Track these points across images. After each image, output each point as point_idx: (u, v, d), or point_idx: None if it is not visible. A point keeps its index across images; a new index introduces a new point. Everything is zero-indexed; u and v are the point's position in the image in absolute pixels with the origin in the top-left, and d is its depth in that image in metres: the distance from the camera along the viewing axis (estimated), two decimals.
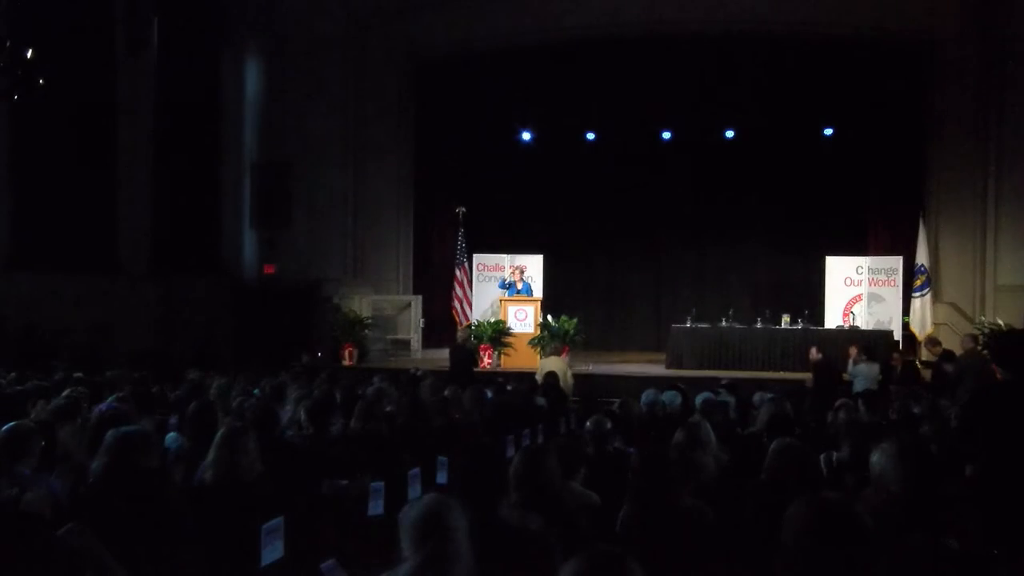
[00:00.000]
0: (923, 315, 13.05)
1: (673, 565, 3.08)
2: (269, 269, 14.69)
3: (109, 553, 2.92)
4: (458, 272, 14.50)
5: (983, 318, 12.60)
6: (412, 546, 2.48)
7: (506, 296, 13.73)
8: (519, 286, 13.86)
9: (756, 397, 7.37)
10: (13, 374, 6.99)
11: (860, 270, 13.69)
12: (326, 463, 4.91)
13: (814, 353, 11.26)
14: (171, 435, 5.73)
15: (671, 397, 7.29)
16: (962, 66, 13.20)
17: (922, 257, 13.14)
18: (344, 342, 13.51)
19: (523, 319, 13.26)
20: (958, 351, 10.38)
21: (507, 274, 14.25)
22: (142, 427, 4.15)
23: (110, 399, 5.76)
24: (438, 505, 2.56)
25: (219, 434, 4.11)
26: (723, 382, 8.74)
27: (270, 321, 11.59)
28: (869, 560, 2.06)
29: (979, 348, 9.96)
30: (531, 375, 9.59)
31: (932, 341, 10.71)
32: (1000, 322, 11.92)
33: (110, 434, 3.70)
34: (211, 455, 4.05)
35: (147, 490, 3.56)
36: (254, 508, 3.76)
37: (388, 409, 6.35)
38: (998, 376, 3.70)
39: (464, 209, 14.70)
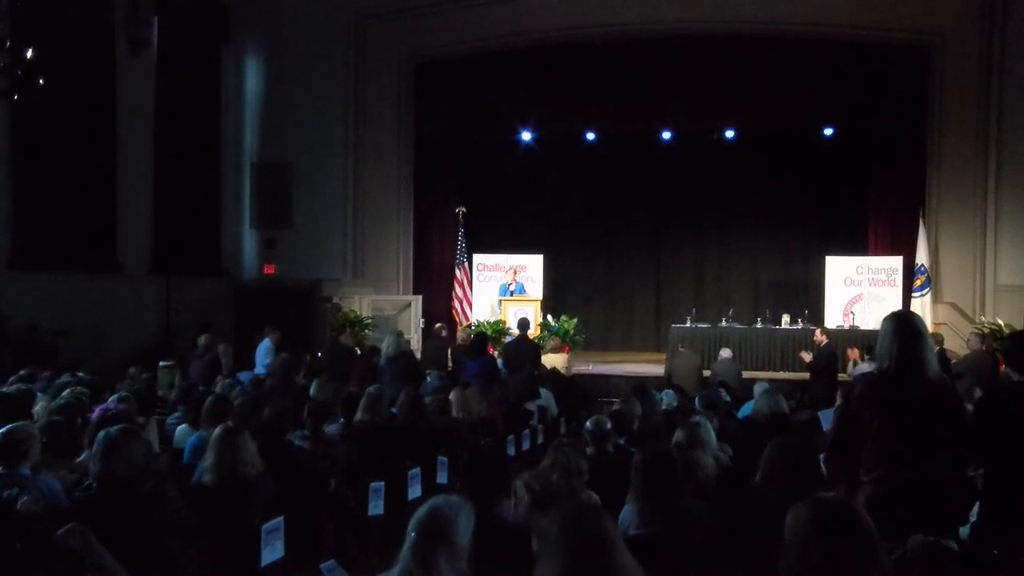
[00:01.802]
0: (923, 315, 13.01)
1: (673, 565, 3.08)
2: (269, 269, 14.70)
3: (109, 553, 2.92)
4: (458, 272, 14.50)
5: (983, 318, 12.58)
6: (411, 547, 2.48)
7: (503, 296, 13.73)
8: (511, 287, 13.87)
9: (756, 388, 7.35)
10: (13, 374, 6.97)
11: (860, 270, 13.69)
12: (326, 463, 4.92)
13: (819, 335, 11.18)
14: (182, 427, 5.77)
15: (670, 397, 7.30)
16: (962, 66, 13.18)
17: (922, 257, 13.11)
18: None
19: None
20: (961, 351, 10.34)
21: (506, 274, 14.25)
22: (131, 425, 4.15)
23: (111, 399, 5.76)
24: (447, 507, 2.55)
25: (215, 435, 4.11)
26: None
27: (270, 321, 11.59)
28: (871, 560, 2.06)
29: (984, 348, 9.93)
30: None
31: (933, 337, 10.63)
32: (1000, 322, 11.90)
33: (100, 435, 3.71)
34: (209, 455, 4.05)
35: (144, 490, 3.57)
36: (254, 508, 3.76)
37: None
38: (1012, 377, 3.67)
39: (464, 209, 14.72)
